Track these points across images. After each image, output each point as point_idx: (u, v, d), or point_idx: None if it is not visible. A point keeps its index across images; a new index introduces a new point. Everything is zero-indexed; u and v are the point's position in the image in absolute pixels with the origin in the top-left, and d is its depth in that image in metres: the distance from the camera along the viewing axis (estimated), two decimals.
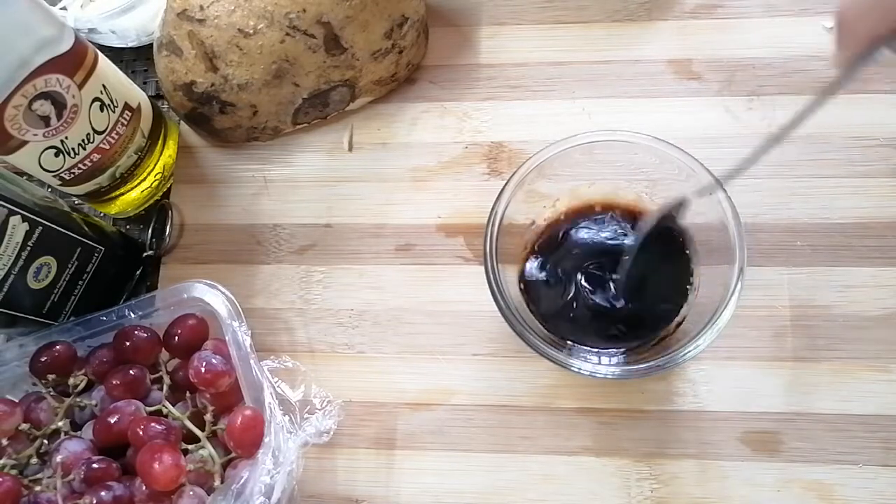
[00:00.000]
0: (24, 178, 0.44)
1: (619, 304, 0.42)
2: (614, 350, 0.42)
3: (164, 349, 0.43)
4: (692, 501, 0.42)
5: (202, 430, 0.39)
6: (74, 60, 0.41)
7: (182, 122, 0.54)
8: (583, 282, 0.43)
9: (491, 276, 0.39)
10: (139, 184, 0.51)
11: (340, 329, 0.47)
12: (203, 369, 0.39)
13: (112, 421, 0.39)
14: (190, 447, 0.39)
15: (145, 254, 0.51)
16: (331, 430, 0.40)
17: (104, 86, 0.44)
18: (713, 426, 0.43)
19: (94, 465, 0.38)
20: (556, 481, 0.43)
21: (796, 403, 0.43)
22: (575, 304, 0.43)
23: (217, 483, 0.38)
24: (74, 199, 0.52)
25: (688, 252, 0.43)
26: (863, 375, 0.43)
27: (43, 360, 0.41)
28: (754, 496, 0.42)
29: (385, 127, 0.52)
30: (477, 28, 0.54)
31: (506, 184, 0.41)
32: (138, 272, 0.51)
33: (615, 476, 0.43)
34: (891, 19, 0.26)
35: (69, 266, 0.45)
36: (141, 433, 0.38)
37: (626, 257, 0.41)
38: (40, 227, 0.41)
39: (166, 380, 0.42)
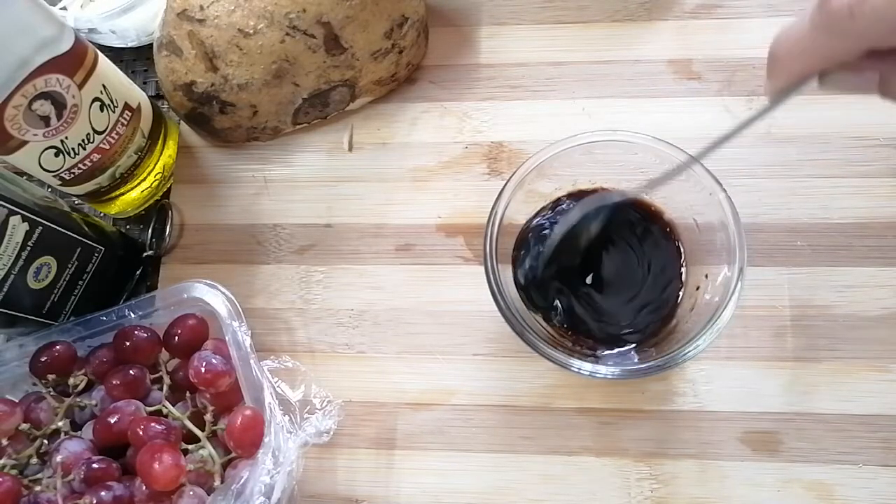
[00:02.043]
0: (24, 178, 0.44)
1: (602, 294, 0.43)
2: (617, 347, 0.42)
3: (164, 349, 0.43)
4: (692, 501, 0.42)
5: (202, 430, 0.39)
6: (74, 60, 0.41)
7: (182, 122, 0.54)
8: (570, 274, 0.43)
9: (491, 276, 0.39)
10: (139, 184, 0.51)
11: (340, 329, 0.48)
12: (203, 369, 0.39)
13: (112, 421, 0.39)
14: (190, 447, 0.39)
15: (145, 254, 0.51)
16: (331, 430, 0.40)
17: (104, 86, 0.44)
18: (713, 426, 0.43)
19: (94, 465, 0.38)
20: (556, 481, 0.43)
21: (796, 403, 0.43)
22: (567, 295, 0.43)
23: (217, 483, 0.38)
24: (74, 199, 0.52)
25: (678, 244, 0.43)
26: (863, 375, 0.43)
27: (43, 360, 0.41)
28: (754, 496, 0.42)
29: (385, 127, 0.52)
30: (477, 28, 0.54)
31: (506, 184, 0.41)
32: (138, 272, 0.51)
33: (615, 476, 0.43)
34: (820, 59, 0.27)
35: (69, 266, 0.45)
36: (141, 433, 0.38)
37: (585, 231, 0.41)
38: (40, 227, 0.41)
39: (166, 380, 0.42)
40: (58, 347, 0.42)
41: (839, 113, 0.48)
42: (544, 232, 0.43)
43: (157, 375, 0.42)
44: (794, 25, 0.28)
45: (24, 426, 0.40)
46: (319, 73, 0.49)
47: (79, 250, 0.45)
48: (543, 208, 0.44)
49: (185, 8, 0.46)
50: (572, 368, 0.38)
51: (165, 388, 0.41)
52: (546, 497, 0.43)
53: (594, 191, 0.44)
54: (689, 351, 0.37)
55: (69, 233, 0.44)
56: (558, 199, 0.44)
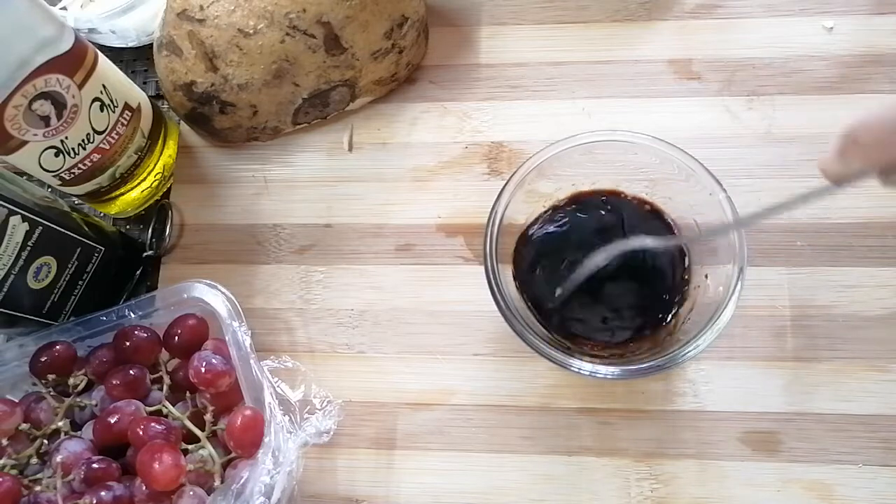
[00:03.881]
0: (24, 178, 0.44)
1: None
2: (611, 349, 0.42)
3: (164, 349, 0.43)
4: (692, 501, 0.42)
5: (202, 430, 0.39)
6: (74, 60, 0.41)
7: (182, 122, 0.54)
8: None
9: (491, 276, 0.39)
10: (139, 184, 0.51)
11: (340, 329, 0.47)
12: (203, 369, 0.39)
13: (112, 421, 0.39)
14: (190, 447, 0.39)
15: (145, 254, 0.51)
16: (331, 430, 0.40)
17: (104, 86, 0.44)
18: (713, 426, 0.43)
19: (94, 465, 0.38)
20: (556, 481, 0.43)
21: (796, 403, 0.43)
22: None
23: (217, 483, 0.38)
24: (74, 199, 0.52)
25: (684, 248, 0.43)
26: (863, 375, 0.43)
27: (43, 360, 0.41)
28: (754, 496, 0.42)
29: (385, 127, 0.52)
30: (477, 28, 0.54)
31: (506, 184, 0.41)
32: (138, 272, 0.51)
33: (615, 476, 0.43)
34: None
35: (69, 266, 0.45)
36: (141, 433, 0.38)
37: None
38: (40, 227, 0.41)
39: (166, 380, 0.42)
40: (58, 347, 0.42)
41: (839, 113, 0.48)
42: (558, 246, 0.43)
43: (157, 375, 0.42)
44: (886, 114, 0.26)
45: (24, 426, 0.40)
46: (319, 73, 0.49)
47: (79, 250, 0.45)
48: (557, 213, 0.44)
49: (185, 8, 0.46)
50: (572, 368, 0.38)
51: (165, 388, 0.41)
52: (546, 497, 0.43)
53: (597, 195, 0.44)
54: (689, 351, 0.37)
55: (69, 233, 0.44)
56: (576, 207, 0.44)
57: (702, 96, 0.50)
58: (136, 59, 0.58)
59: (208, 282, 0.43)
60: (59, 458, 0.38)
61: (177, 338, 0.42)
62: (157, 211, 0.52)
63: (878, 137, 0.27)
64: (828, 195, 0.31)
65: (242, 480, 0.36)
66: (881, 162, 0.27)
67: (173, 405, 0.41)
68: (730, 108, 0.50)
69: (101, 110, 0.44)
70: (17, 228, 0.40)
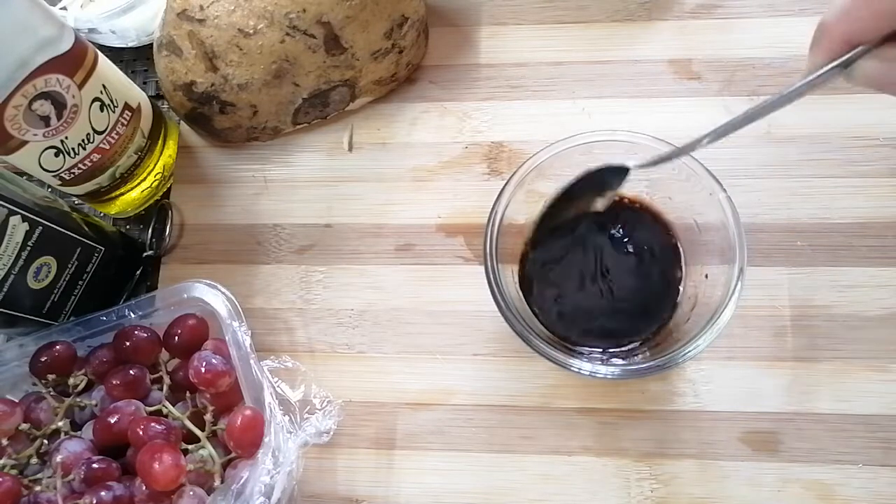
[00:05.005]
0: (24, 178, 0.44)
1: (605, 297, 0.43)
2: (610, 348, 0.42)
3: (164, 349, 0.43)
4: (692, 501, 0.42)
5: (202, 430, 0.39)
6: (74, 60, 0.41)
7: (182, 122, 0.54)
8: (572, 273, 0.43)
9: (491, 276, 0.39)
10: (139, 184, 0.51)
11: (340, 329, 0.48)
12: (203, 369, 0.39)
13: (112, 421, 0.39)
14: (190, 447, 0.39)
15: (145, 254, 0.51)
16: (331, 430, 0.40)
17: (104, 86, 0.44)
18: (713, 426, 0.43)
19: (94, 465, 0.38)
20: (556, 481, 0.43)
21: (796, 403, 0.43)
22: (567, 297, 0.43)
23: (217, 483, 0.38)
24: (74, 199, 0.52)
25: (677, 244, 0.43)
26: (863, 375, 0.43)
27: (43, 360, 0.41)
28: (754, 496, 0.42)
29: (385, 127, 0.52)
30: (477, 28, 0.54)
31: (506, 184, 0.41)
32: (138, 272, 0.51)
33: (615, 476, 0.43)
34: (870, 19, 0.27)
35: (69, 266, 0.45)
36: (141, 433, 0.38)
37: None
38: (40, 227, 0.41)
39: (166, 380, 0.42)
40: (58, 347, 0.42)
41: (839, 113, 0.48)
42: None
43: (157, 375, 0.42)
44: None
45: (24, 426, 0.40)
46: (319, 73, 0.49)
47: (79, 250, 0.45)
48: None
49: (185, 8, 0.46)
50: (572, 368, 0.38)
51: (165, 388, 0.41)
52: (546, 497, 0.43)
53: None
54: (689, 351, 0.37)
55: (69, 233, 0.44)
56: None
57: (702, 96, 0.50)
58: (136, 59, 0.58)
59: (208, 282, 0.43)
60: (59, 458, 0.38)
61: (177, 338, 0.42)
62: (157, 211, 0.52)
63: (837, 15, 0.28)
64: (806, 89, 0.31)
65: (242, 480, 0.36)
66: (841, 36, 0.28)
67: (173, 405, 0.41)
68: (730, 108, 0.49)
69: (101, 110, 0.44)
70: (17, 228, 0.40)
